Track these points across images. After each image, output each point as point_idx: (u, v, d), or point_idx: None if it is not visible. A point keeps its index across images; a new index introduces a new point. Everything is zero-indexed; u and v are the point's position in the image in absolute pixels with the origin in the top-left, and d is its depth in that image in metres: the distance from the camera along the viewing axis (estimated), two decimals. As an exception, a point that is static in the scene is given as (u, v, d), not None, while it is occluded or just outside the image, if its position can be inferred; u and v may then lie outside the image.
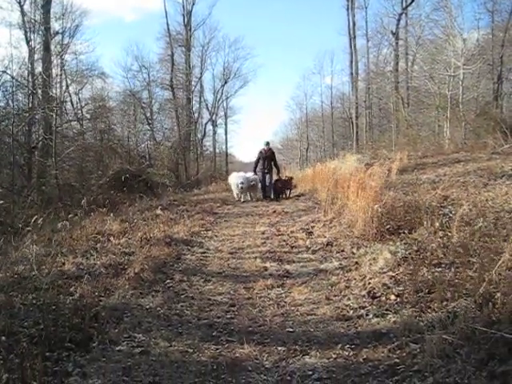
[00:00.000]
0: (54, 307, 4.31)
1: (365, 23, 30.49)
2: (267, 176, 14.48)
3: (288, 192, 14.79)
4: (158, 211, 10.52)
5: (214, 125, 38.15)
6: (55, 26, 20.56)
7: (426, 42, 23.07)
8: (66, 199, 11.47)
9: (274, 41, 74.19)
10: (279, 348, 3.65)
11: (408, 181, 10.19)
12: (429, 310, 3.80)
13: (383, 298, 4.38)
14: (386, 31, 28.18)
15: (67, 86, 23.18)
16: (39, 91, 16.63)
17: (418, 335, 3.40)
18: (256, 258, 6.57)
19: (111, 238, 7.38)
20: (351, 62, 30.11)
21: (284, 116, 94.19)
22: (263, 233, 8.50)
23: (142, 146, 24.91)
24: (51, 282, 4.97)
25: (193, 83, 33.17)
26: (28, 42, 19.38)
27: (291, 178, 15.20)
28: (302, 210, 11.17)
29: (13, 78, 14.36)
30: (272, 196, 14.47)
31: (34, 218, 6.80)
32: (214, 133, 38.50)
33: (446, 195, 7.61)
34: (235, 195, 14.87)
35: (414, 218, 6.39)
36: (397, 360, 3.21)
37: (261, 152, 14.61)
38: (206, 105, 37.24)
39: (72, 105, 23.64)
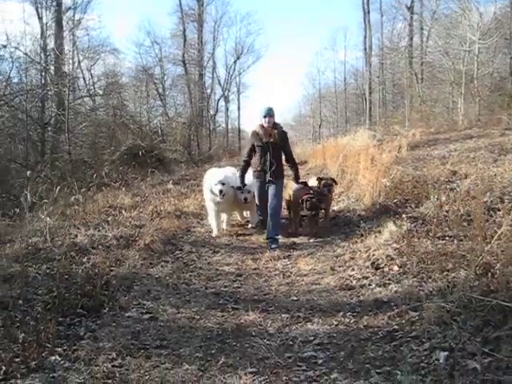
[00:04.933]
0: (66, 276, 4.48)
1: (379, -3, 29.82)
2: (272, 187, 6.25)
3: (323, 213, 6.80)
4: (170, 186, 10.69)
5: (227, 101, 37.97)
6: (67, 1, 20.38)
7: (442, 16, 22.65)
8: (78, 174, 11.60)
9: (288, 17, 73.04)
10: (283, 315, 3.77)
11: (418, 156, 10.17)
12: (429, 280, 3.87)
13: (386, 269, 4.47)
14: (401, 5, 27.58)
15: (79, 62, 23.10)
16: (52, 67, 16.66)
17: (418, 303, 3.48)
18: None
19: (123, 212, 7.54)
20: (365, 37, 29.69)
21: (297, 92, 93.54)
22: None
23: (155, 121, 24.88)
24: (64, 252, 5.14)
25: (205, 59, 32.97)
26: (40, 18, 19.32)
27: (333, 182, 6.86)
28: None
29: (25, 54, 14.40)
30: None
31: (48, 191, 6.95)
32: (227, 109, 38.32)
33: (455, 170, 7.62)
34: (210, 219, 6.97)
35: (421, 193, 6.44)
36: (396, 327, 3.31)
37: (256, 133, 6.35)
38: (219, 81, 36.99)
39: (84, 81, 23.60)
